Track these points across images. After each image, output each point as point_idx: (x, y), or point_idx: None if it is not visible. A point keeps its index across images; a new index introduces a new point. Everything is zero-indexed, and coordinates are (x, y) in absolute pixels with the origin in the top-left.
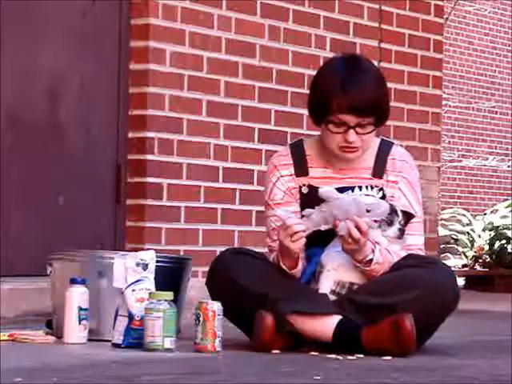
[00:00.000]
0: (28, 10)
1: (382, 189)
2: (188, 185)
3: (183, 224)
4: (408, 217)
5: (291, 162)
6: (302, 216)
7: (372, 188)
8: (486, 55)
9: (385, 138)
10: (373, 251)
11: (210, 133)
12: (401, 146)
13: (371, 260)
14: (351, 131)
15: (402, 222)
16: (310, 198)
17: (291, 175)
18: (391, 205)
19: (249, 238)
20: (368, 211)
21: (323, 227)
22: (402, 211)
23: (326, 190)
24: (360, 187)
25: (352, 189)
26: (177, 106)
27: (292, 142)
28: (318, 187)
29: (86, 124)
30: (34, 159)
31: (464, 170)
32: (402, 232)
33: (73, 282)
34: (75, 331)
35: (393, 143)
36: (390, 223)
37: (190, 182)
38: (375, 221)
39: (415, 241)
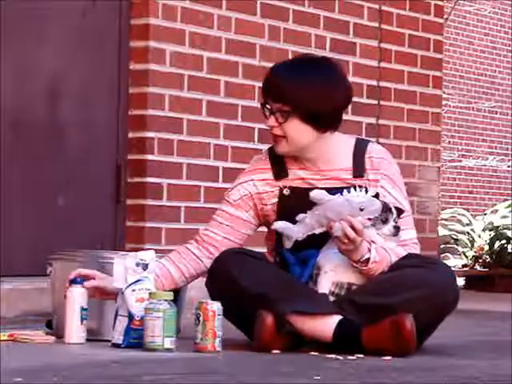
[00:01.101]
0: (28, 10)
1: (366, 188)
2: (188, 185)
3: (183, 224)
4: (398, 212)
5: (269, 166)
6: (296, 221)
7: (360, 188)
8: (485, 55)
9: (359, 137)
10: (369, 250)
11: (210, 133)
12: (377, 143)
13: (368, 259)
14: (272, 116)
15: (397, 219)
16: (293, 200)
17: (266, 180)
18: (385, 202)
19: (249, 238)
20: (361, 210)
21: (318, 230)
22: (395, 208)
23: (318, 192)
24: (350, 188)
25: (341, 191)
26: (177, 106)
27: (270, 146)
28: (299, 187)
29: (86, 124)
30: (34, 159)
31: (464, 170)
32: (397, 229)
33: (72, 282)
34: (77, 331)
35: (368, 141)
36: (385, 221)
37: (189, 181)
38: (369, 219)
39: (409, 235)
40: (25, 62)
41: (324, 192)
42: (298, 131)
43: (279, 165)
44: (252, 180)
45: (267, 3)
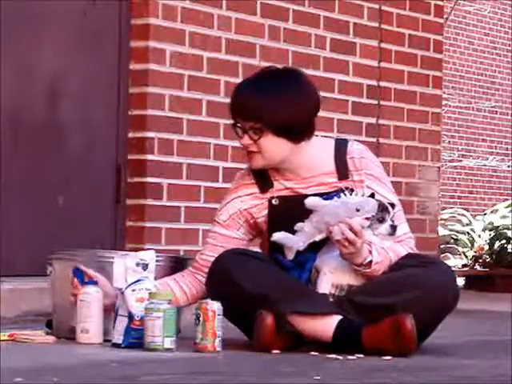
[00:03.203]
0: (28, 10)
1: (352, 189)
2: (188, 185)
3: (183, 224)
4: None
5: (253, 181)
6: (289, 229)
7: (351, 190)
8: (485, 55)
9: (338, 138)
10: (370, 252)
11: (209, 133)
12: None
13: (371, 262)
14: (244, 135)
15: (394, 218)
16: (283, 209)
17: (253, 194)
18: (380, 201)
19: None
20: (357, 210)
21: (318, 237)
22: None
23: (312, 199)
24: (340, 193)
25: (330, 196)
26: (177, 106)
27: None
28: (287, 196)
29: (86, 124)
30: (34, 159)
31: (464, 170)
32: (394, 228)
33: (85, 283)
34: (101, 331)
35: (347, 140)
36: (382, 220)
37: (189, 182)
38: (367, 218)
39: (402, 230)
40: (25, 62)
41: (318, 198)
42: (273, 146)
43: (263, 177)
44: (239, 197)
45: (267, 3)
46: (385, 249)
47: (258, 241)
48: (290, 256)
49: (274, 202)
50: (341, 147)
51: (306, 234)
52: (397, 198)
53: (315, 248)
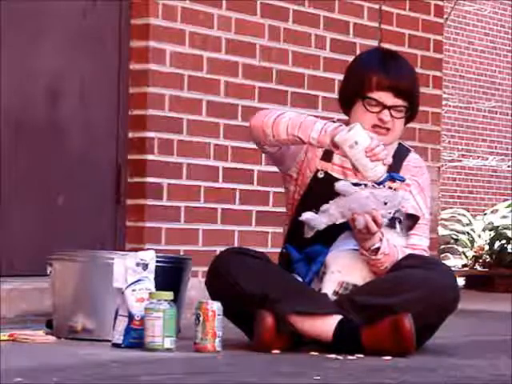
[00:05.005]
0: (28, 10)
1: (395, 190)
2: (188, 185)
3: (183, 224)
4: (415, 219)
5: None
6: (318, 211)
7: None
8: (486, 55)
9: (403, 144)
10: (380, 240)
11: (210, 133)
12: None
13: (378, 249)
14: (386, 111)
15: (405, 224)
16: (322, 185)
17: (317, 152)
18: None
19: (249, 238)
20: (385, 204)
21: (339, 221)
22: (408, 213)
23: (343, 184)
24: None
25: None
26: (177, 106)
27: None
28: (334, 176)
29: (86, 124)
30: (34, 159)
31: (464, 170)
32: (400, 222)
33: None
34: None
35: (410, 150)
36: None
37: (189, 181)
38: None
39: (420, 242)
40: (25, 61)
41: (349, 184)
42: (402, 127)
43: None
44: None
45: (267, 3)
46: (396, 246)
47: (258, 240)
48: (309, 234)
49: (319, 174)
50: (403, 152)
51: (329, 217)
52: (428, 214)
53: (324, 240)
